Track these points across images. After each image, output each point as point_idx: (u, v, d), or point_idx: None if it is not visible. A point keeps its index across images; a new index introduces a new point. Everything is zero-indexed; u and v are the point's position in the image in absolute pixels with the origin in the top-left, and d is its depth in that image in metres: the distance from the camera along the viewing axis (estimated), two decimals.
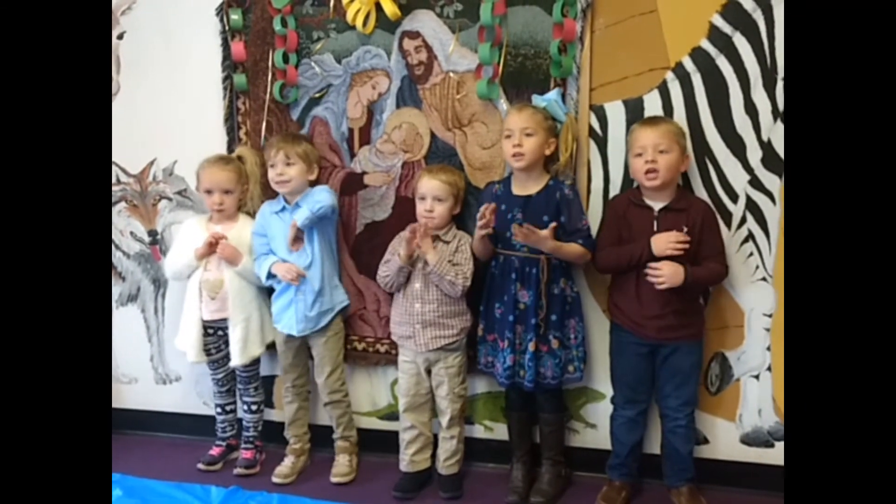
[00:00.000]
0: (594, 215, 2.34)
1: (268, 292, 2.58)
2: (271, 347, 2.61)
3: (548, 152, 2.24)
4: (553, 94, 2.25)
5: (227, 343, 2.58)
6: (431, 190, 2.29)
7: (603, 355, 2.39)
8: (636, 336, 2.23)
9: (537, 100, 2.27)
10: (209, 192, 2.48)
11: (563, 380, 2.30)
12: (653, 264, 2.11)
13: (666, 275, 2.09)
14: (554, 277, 2.24)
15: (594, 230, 2.31)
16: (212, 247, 2.44)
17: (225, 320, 2.52)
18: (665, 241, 2.11)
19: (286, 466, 2.55)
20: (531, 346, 2.22)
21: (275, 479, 2.51)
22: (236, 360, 2.52)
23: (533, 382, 2.23)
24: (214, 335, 2.57)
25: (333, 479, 2.48)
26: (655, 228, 2.16)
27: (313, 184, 2.48)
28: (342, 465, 2.53)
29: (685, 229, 2.14)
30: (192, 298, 2.53)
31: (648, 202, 2.19)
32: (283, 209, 2.46)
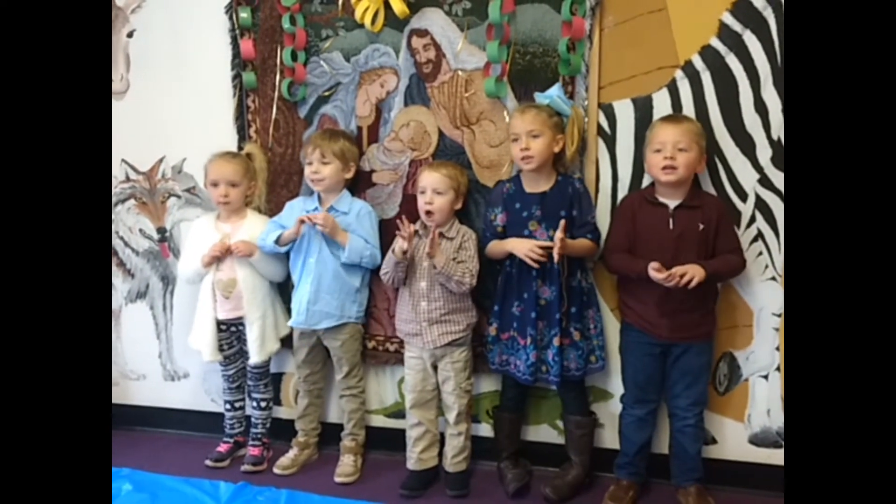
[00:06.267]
0: (603, 213, 2.33)
1: (280, 288, 2.60)
2: (284, 344, 2.62)
3: (556, 150, 2.23)
4: (555, 90, 2.23)
5: (239, 339, 2.60)
6: (431, 182, 2.30)
7: (611, 354, 2.38)
8: (648, 336, 2.22)
9: (539, 97, 2.26)
10: (215, 184, 2.49)
11: (587, 370, 2.30)
12: (674, 270, 2.04)
13: (690, 275, 2.04)
14: (572, 271, 2.24)
15: (603, 227, 2.31)
16: (220, 255, 2.45)
17: (239, 319, 2.54)
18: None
19: (287, 458, 2.58)
20: (556, 342, 2.22)
21: (275, 471, 2.54)
22: (255, 357, 2.54)
23: (559, 377, 2.23)
24: (227, 331, 2.58)
25: (337, 479, 2.48)
26: (671, 226, 2.15)
27: (350, 182, 2.48)
28: (347, 466, 2.53)
29: (701, 226, 2.13)
30: (205, 298, 2.54)
31: (663, 200, 2.18)
32: (316, 209, 2.45)
